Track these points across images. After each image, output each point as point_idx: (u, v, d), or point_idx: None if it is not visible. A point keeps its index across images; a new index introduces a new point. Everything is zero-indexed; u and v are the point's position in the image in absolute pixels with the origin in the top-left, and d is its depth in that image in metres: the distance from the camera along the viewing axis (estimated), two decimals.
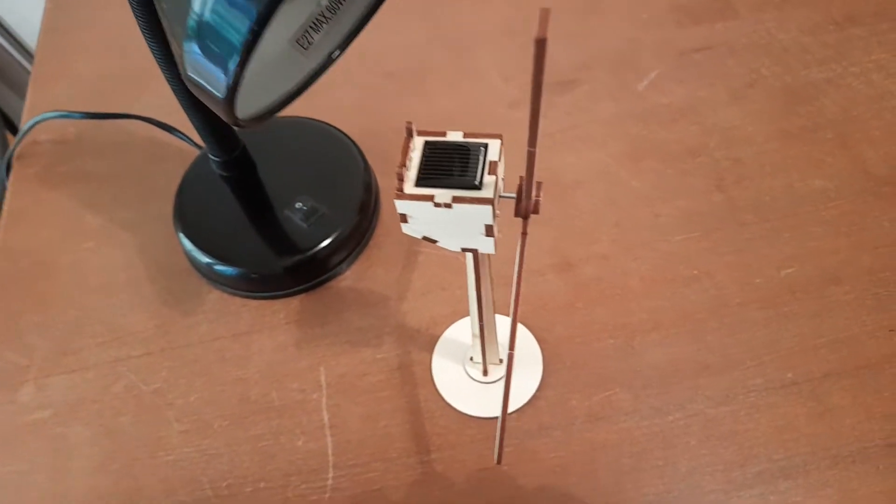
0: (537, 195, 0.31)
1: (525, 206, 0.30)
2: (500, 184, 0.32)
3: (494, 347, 0.45)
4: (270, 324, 0.51)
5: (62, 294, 0.54)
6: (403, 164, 0.30)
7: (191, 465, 0.46)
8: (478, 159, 0.31)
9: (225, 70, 0.29)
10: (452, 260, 0.52)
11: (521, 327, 0.49)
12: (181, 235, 0.53)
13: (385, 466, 0.45)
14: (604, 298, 0.50)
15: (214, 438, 0.47)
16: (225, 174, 0.53)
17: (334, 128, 0.57)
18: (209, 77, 0.30)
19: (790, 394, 0.45)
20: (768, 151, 0.55)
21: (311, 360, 0.49)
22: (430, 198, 0.30)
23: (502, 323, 0.49)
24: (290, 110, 0.65)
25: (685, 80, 0.60)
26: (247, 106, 0.34)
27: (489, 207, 0.30)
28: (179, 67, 0.31)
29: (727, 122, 0.57)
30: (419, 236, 0.33)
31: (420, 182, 0.30)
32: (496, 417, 0.45)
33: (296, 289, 0.52)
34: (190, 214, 0.54)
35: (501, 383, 0.46)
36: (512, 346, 0.33)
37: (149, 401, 0.49)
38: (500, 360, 0.47)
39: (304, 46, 0.35)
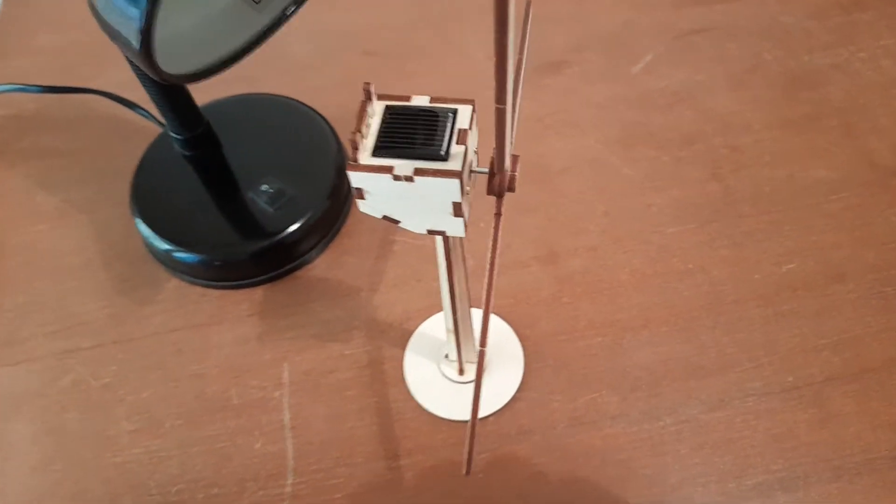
0: (513, 169, 0.27)
1: (498, 182, 0.27)
2: (473, 157, 0.29)
3: (471, 344, 0.42)
4: (232, 315, 0.47)
5: (10, 278, 0.50)
6: (359, 131, 0.27)
7: (139, 467, 0.42)
8: (445, 127, 0.27)
9: (137, 6, 0.25)
10: (429, 250, 0.48)
11: (501, 323, 0.45)
12: (138, 220, 0.49)
13: (349, 472, 0.41)
14: (591, 293, 0.46)
15: (166, 439, 0.43)
16: (187, 153, 0.50)
17: (307, 107, 0.53)
18: (119, 16, 0.26)
19: (790, 399, 0.42)
20: (769, 140, 0.52)
21: (274, 354, 0.45)
22: (388, 170, 0.26)
23: (480, 316, 0.45)
24: (262, 87, 0.61)
25: (682, 63, 0.56)
26: (188, 61, 0.30)
27: (456, 182, 0.26)
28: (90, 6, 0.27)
29: (726, 108, 0.54)
30: (378, 215, 0.29)
31: (378, 152, 0.27)
32: None
33: (260, 278, 0.48)
34: (148, 197, 0.50)
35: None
36: (483, 343, 0.29)
37: (98, 397, 0.45)
38: None
39: (256, 0, 0.32)
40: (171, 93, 0.45)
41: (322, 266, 0.49)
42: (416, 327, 0.45)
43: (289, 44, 0.60)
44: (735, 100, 0.54)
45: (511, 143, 0.30)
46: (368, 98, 0.28)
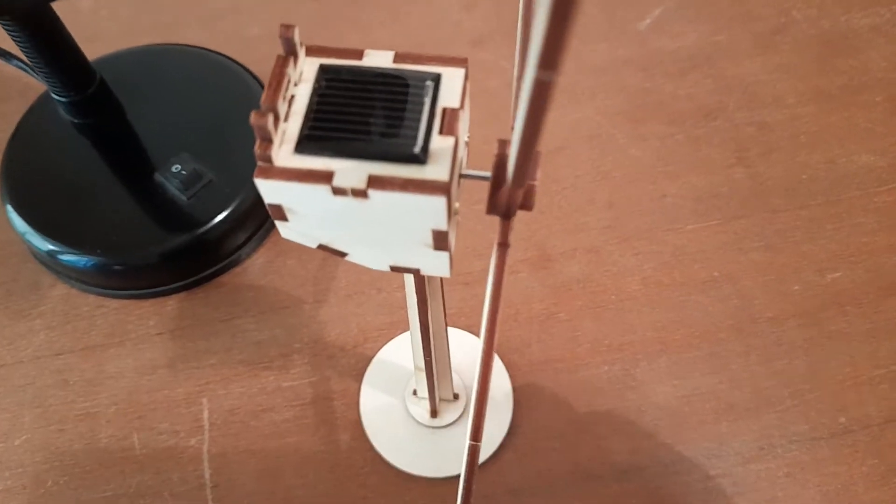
0: (532, 176, 0.17)
1: (508, 197, 0.17)
2: (463, 153, 0.19)
3: (448, 380, 0.32)
4: (135, 334, 0.37)
5: None
6: (272, 109, 0.16)
7: None
8: (420, 104, 0.17)
9: None
10: None
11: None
12: (11, 211, 0.37)
13: None
14: (594, 308, 0.37)
15: (49, 501, 0.33)
16: (76, 120, 0.38)
17: (234, 62, 0.42)
18: None
19: (843, 446, 0.33)
20: (803, 116, 0.43)
21: (190, 387, 0.35)
22: (325, 177, 0.16)
23: (459, 340, 0.35)
24: (176, 36, 0.49)
25: (697, 20, 0.47)
26: None
27: (441, 200, 0.16)
28: None
29: (750, 75, 0.44)
30: (311, 244, 0.19)
31: (306, 145, 0.17)
32: (451, 477, 0.33)
33: (173, 285, 0.37)
34: (25, 180, 0.38)
35: (458, 429, 0.33)
36: (477, 437, 0.19)
37: None
38: (456, 396, 0.34)
39: None
40: (40, 34, 0.33)
41: (254, 270, 0.38)
42: (376, 352, 0.36)
43: None
44: (761, 66, 0.45)
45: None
46: (290, 52, 0.17)
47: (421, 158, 0.16)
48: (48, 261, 0.38)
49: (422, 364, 0.29)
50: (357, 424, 0.34)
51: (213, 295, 0.38)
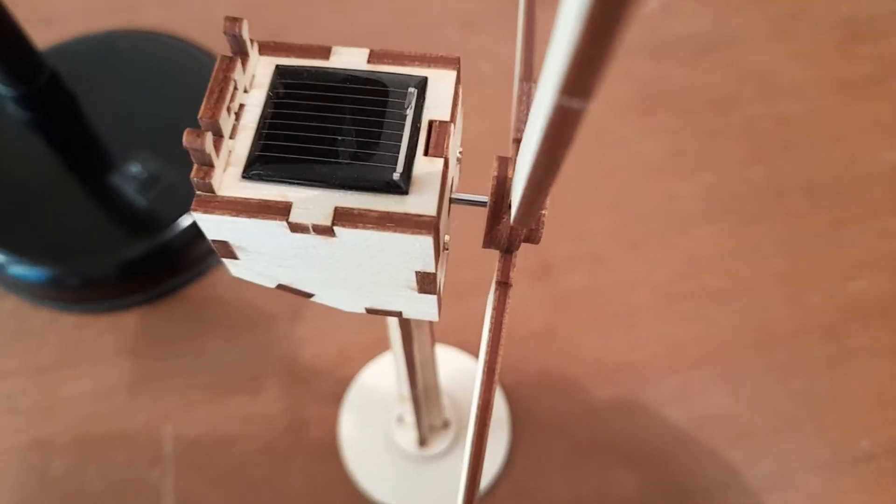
0: (541, 206, 0.14)
1: (509, 231, 0.13)
2: (454, 175, 0.15)
3: (437, 407, 0.29)
4: (92, 354, 0.33)
5: None
6: (212, 126, 0.13)
7: None
8: (402, 118, 0.14)
9: None
10: None
11: (475, 365, 0.32)
12: None
13: None
14: (597, 322, 0.34)
15: None
16: (25, 116, 0.35)
17: (202, 50, 0.38)
18: None
19: (867, 473, 0.31)
20: (823, 109, 0.40)
21: (152, 414, 0.32)
22: (280, 211, 0.13)
23: (450, 359, 0.32)
24: (139, 20, 0.45)
25: (711, 1, 0.43)
26: None
27: (427, 239, 0.12)
28: None
29: (767, 63, 0.41)
30: (270, 284, 0.15)
31: (256, 169, 0.13)
32: None
33: (133, 298, 0.34)
34: None
35: (448, 459, 0.30)
36: (471, 498, 0.16)
37: None
38: (447, 423, 0.30)
39: None
40: None
41: (222, 282, 0.35)
42: (357, 373, 0.32)
43: None
44: (778, 53, 0.41)
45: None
46: (239, 52, 0.14)
47: (402, 187, 0.13)
48: None
49: (408, 394, 0.26)
50: (336, 455, 0.31)
51: (176, 309, 0.34)
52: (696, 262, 0.35)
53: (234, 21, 0.13)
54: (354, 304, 0.15)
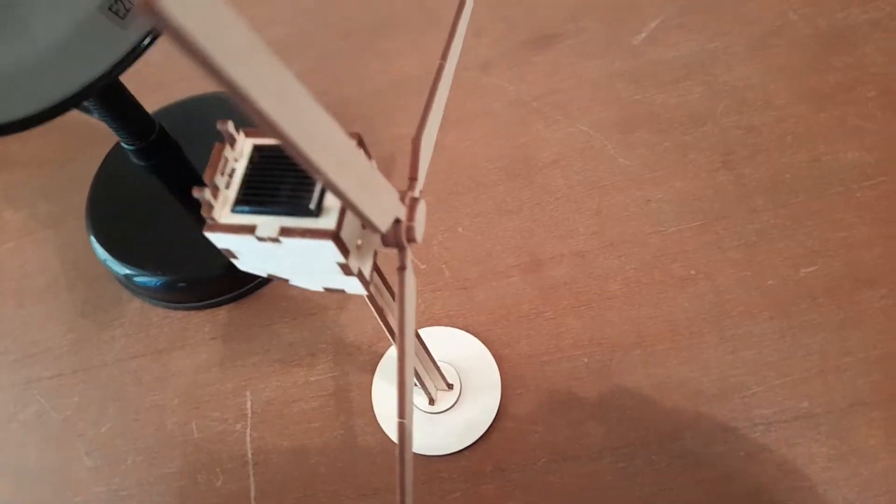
0: (409, 218, 0.23)
1: (393, 236, 0.22)
2: None
3: (437, 375, 0.38)
4: (193, 339, 0.44)
5: None
6: (210, 185, 0.22)
7: None
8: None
9: None
10: None
11: (476, 343, 0.41)
12: (94, 241, 0.46)
13: None
14: (578, 306, 0.41)
15: (126, 477, 0.41)
16: (143, 163, 0.46)
17: None
18: None
19: (805, 428, 0.36)
20: (793, 117, 0.45)
21: (237, 382, 0.42)
22: (250, 230, 0.22)
23: (456, 338, 0.41)
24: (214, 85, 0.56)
25: (693, 27, 0.49)
26: (38, 94, 0.26)
27: (329, 242, 0.21)
28: None
29: (743, 80, 0.47)
30: (262, 274, 0.25)
31: (239, 206, 0.23)
32: (446, 455, 0.38)
33: (224, 297, 0.45)
34: (105, 214, 0.47)
35: (453, 414, 0.39)
36: (402, 413, 0.25)
37: (58, 431, 0.43)
38: (450, 385, 0.39)
39: (120, 15, 0.27)
40: (108, 103, 0.41)
41: (286, 284, 0.45)
42: (386, 350, 0.42)
43: None
44: (754, 70, 0.47)
45: (422, 177, 0.25)
46: (227, 140, 0.23)
47: (315, 213, 0.22)
48: (125, 281, 0.46)
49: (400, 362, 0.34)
50: (370, 411, 0.40)
51: (254, 305, 0.45)
52: (664, 255, 0.42)
53: (223, 122, 0.23)
54: (315, 285, 0.25)
